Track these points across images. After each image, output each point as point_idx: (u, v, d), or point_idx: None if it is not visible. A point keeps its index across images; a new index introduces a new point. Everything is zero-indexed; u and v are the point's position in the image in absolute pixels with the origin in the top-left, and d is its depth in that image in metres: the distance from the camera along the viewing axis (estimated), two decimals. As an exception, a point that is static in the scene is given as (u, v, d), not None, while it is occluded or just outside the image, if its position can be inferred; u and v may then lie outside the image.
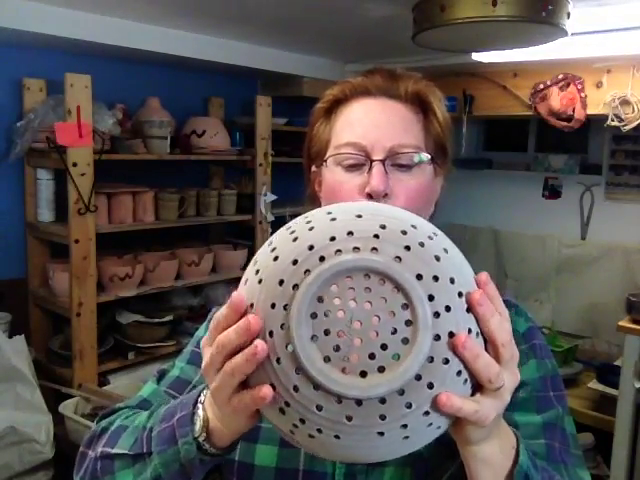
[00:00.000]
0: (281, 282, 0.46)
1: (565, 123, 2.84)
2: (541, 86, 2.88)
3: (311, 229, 0.48)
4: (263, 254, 0.49)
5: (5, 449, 1.93)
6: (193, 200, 2.64)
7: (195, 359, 0.79)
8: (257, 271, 0.48)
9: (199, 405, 0.58)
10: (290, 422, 0.47)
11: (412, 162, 0.71)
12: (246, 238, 2.96)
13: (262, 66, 2.81)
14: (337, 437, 0.46)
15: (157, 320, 2.47)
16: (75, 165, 2.13)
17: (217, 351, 0.48)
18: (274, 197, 2.91)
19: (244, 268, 0.54)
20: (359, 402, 0.44)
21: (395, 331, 0.45)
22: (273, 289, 0.46)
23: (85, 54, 2.48)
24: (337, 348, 0.45)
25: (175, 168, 2.73)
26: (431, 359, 0.45)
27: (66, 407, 2.14)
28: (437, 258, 0.47)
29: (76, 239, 2.16)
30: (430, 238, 0.48)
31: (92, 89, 2.13)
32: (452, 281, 0.47)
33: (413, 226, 0.49)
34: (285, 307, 0.45)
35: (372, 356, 0.45)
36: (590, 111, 2.77)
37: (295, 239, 0.47)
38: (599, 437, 2.68)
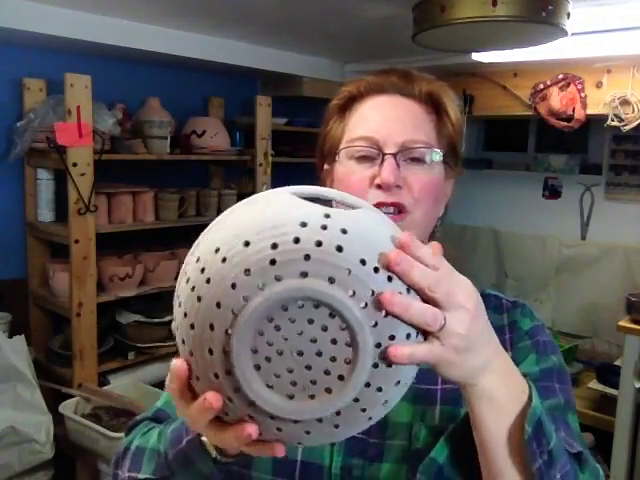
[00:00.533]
0: (211, 327, 0.44)
1: (565, 123, 2.84)
2: (541, 86, 2.88)
3: (204, 273, 0.45)
4: (185, 295, 0.47)
5: (5, 449, 1.93)
6: (193, 200, 2.64)
7: None
8: (185, 314, 0.46)
9: None
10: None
11: (424, 157, 0.72)
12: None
13: (262, 66, 2.81)
14: (300, 443, 0.49)
15: (157, 320, 2.47)
16: (75, 165, 2.13)
17: (176, 403, 0.51)
18: (274, 197, 2.91)
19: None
20: (319, 419, 0.45)
21: (335, 359, 0.44)
22: (206, 335, 0.44)
23: (85, 54, 2.48)
24: (279, 376, 0.45)
25: (175, 168, 2.73)
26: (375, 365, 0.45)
27: (66, 407, 2.14)
28: (339, 249, 0.43)
29: (76, 239, 2.16)
30: (324, 228, 0.44)
31: (92, 89, 2.13)
32: (363, 262, 0.44)
33: (302, 224, 0.44)
34: (224, 351, 0.44)
35: (314, 382, 0.45)
36: (590, 111, 2.77)
37: (208, 280, 0.44)
38: (599, 437, 2.68)
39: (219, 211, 2.76)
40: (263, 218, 0.45)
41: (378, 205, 0.70)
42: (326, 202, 0.49)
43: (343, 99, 0.78)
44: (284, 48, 2.84)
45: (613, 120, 2.69)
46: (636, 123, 2.64)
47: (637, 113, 2.63)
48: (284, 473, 0.69)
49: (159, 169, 2.65)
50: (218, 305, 0.43)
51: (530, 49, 2.04)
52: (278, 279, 0.42)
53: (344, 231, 0.44)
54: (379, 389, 0.46)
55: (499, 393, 0.54)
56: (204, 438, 0.59)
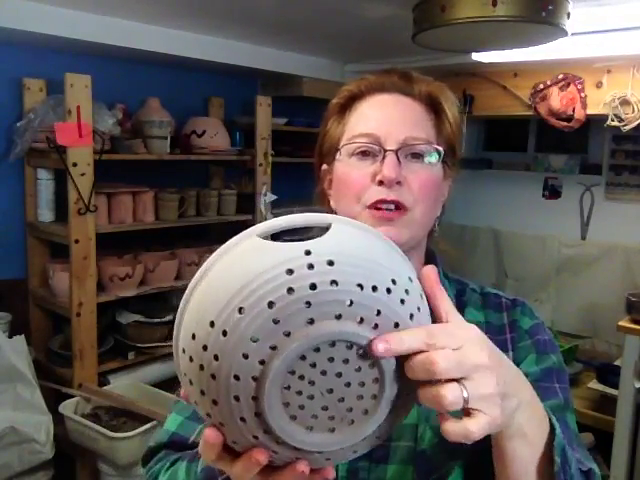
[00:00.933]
0: (237, 398, 0.44)
1: (565, 123, 2.84)
2: (541, 86, 2.88)
3: (208, 350, 0.44)
4: (195, 374, 0.45)
5: (5, 449, 1.93)
6: (193, 200, 2.64)
7: None
8: (202, 392, 0.45)
9: None
10: None
11: (424, 154, 0.73)
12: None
13: (262, 66, 2.81)
14: (346, 459, 0.51)
15: (157, 320, 2.47)
16: (75, 165, 2.13)
17: (214, 465, 0.51)
18: (274, 197, 2.91)
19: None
20: (363, 439, 0.47)
21: (363, 384, 0.45)
22: (234, 406, 0.44)
23: (85, 54, 2.48)
24: (316, 417, 0.45)
25: (175, 168, 2.73)
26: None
27: (66, 407, 2.14)
28: (334, 283, 0.43)
29: (76, 239, 2.16)
30: (310, 267, 0.43)
31: (92, 89, 2.13)
32: (361, 287, 0.44)
33: (288, 271, 0.43)
34: (257, 414, 0.44)
35: (350, 410, 0.46)
36: (590, 111, 2.77)
37: (216, 357, 0.43)
38: (599, 437, 2.68)
39: (219, 211, 2.76)
40: (248, 276, 0.43)
41: (379, 202, 0.70)
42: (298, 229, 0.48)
43: (344, 98, 0.78)
44: (284, 48, 2.84)
45: (613, 120, 2.69)
46: (636, 123, 2.64)
47: (637, 113, 2.63)
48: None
49: (159, 169, 2.65)
50: (237, 378, 0.43)
51: (530, 49, 2.04)
52: (287, 335, 0.42)
53: (330, 263, 0.43)
54: (408, 392, 0.47)
55: (530, 428, 0.53)
56: None
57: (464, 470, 0.67)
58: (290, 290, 0.42)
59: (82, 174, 2.15)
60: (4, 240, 2.38)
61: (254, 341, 0.42)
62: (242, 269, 0.44)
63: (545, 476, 0.55)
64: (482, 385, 0.46)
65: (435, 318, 0.50)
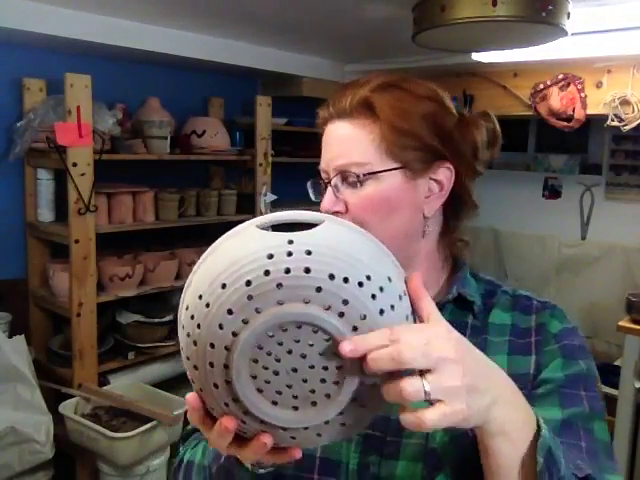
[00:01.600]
0: (211, 364, 0.49)
1: (565, 123, 2.84)
2: (541, 86, 2.88)
3: (194, 319, 0.49)
4: (184, 342, 0.51)
5: (5, 449, 1.93)
6: (193, 200, 2.64)
7: None
8: (187, 358, 0.51)
9: None
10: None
11: (356, 180, 0.72)
12: (246, 238, 2.95)
13: (262, 66, 2.81)
14: (314, 444, 0.54)
15: (157, 320, 2.47)
16: (75, 165, 2.13)
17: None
18: (274, 197, 2.91)
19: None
20: (325, 422, 0.50)
21: (327, 368, 0.48)
22: (209, 372, 0.49)
23: (85, 54, 2.48)
24: (280, 393, 0.49)
25: (175, 168, 2.73)
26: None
27: (66, 407, 2.14)
28: (307, 270, 0.47)
29: (76, 239, 2.16)
30: (289, 254, 0.48)
31: (92, 89, 2.13)
32: (332, 277, 0.47)
33: (269, 256, 0.48)
34: (227, 382, 0.49)
35: (313, 391, 0.49)
36: (590, 111, 2.77)
37: (198, 325, 0.49)
38: (599, 437, 2.68)
39: (219, 211, 2.76)
40: (235, 258, 0.48)
41: None
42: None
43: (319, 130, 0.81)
44: (284, 48, 2.84)
45: (613, 120, 2.69)
46: (636, 123, 2.64)
47: (637, 113, 2.63)
48: (305, 468, 0.72)
49: (159, 169, 2.65)
50: (212, 346, 0.48)
51: (530, 49, 2.04)
52: (258, 311, 0.46)
53: (308, 252, 0.47)
54: (373, 384, 0.49)
55: (511, 426, 0.54)
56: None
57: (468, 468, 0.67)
58: (267, 272, 0.46)
59: (82, 174, 2.15)
60: (4, 240, 2.38)
61: (229, 314, 0.47)
62: (233, 253, 0.49)
63: (530, 475, 0.55)
64: (446, 377, 0.47)
65: (418, 320, 0.53)
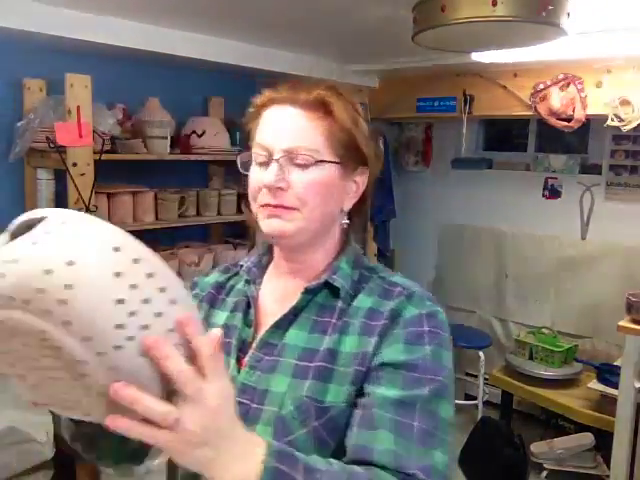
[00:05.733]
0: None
1: (565, 123, 2.84)
2: (541, 86, 2.88)
3: None
4: None
5: (5, 449, 1.93)
6: (193, 200, 2.64)
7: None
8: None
9: None
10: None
11: (305, 162, 0.81)
12: (246, 238, 2.95)
13: (262, 66, 2.81)
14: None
15: (157, 320, 2.47)
16: (75, 165, 2.13)
17: None
18: (274, 197, 2.90)
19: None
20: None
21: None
22: None
23: (85, 54, 2.47)
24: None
25: (175, 168, 2.73)
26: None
27: (66, 407, 2.14)
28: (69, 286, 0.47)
29: (76, 239, 2.16)
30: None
31: (92, 89, 2.13)
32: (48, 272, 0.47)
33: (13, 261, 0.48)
34: None
35: None
36: (590, 111, 2.77)
37: None
38: (599, 437, 2.68)
39: (219, 211, 2.76)
40: None
41: (265, 206, 0.81)
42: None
43: (254, 108, 0.89)
44: (284, 48, 2.84)
45: (613, 120, 2.69)
46: (636, 123, 2.64)
47: (637, 113, 2.63)
48: None
49: (159, 169, 2.65)
50: None
51: (530, 49, 2.04)
52: None
53: (15, 261, 0.47)
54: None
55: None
56: None
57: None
58: None
59: (82, 174, 2.15)
60: (4, 240, 2.37)
61: None
62: None
63: None
64: (192, 420, 0.55)
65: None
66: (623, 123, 2.67)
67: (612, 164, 3.20)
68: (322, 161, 0.81)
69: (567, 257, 3.34)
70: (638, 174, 3.13)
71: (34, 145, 2.22)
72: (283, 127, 0.82)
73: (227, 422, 0.59)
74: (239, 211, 2.85)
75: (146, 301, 0.50)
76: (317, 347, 0.79)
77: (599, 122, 2.82)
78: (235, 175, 3.22)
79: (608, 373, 2.67)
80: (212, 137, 2.70)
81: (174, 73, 2.87)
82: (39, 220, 0.51)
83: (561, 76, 2.81)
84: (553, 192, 3.43)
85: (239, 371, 0.82)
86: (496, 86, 3.06)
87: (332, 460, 0.68)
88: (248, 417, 0.77)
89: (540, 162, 3.47)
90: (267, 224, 0.82)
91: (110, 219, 2.35)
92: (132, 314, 0.49)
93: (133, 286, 0.49)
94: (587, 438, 2.72)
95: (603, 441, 2.63)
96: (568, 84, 2.80)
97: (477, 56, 2.49)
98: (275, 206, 0.80)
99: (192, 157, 2.62)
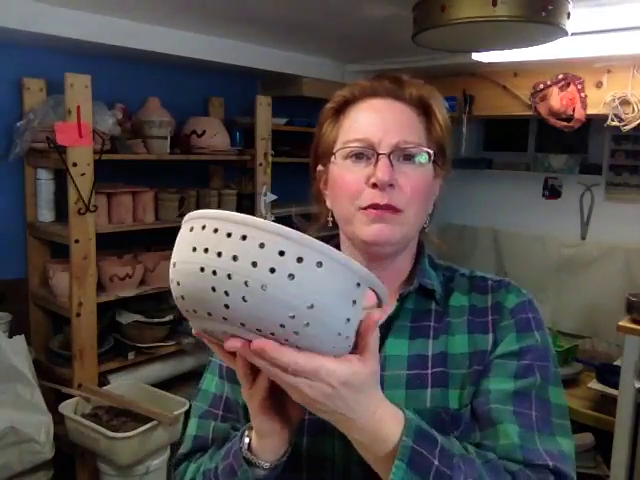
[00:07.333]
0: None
1: (565, 123, 2.84)
2: (541, 86, 2.88)
3: None
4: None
5: (5, 449, 1.93)
6: (193, 200, 2.64)
7: (216, 370, 0.87)
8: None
9: (245, 437, 0.70)
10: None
11: (415, 157, 0.76)
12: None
13: (262, 66, 2.81)
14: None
15: (157, 320, 2.47)
16: (75, 165, 2.13)
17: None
18: (274, 197, 2.91)
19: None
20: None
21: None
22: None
23: (85, 54, 2.48)
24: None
25: (175, 168, 2.73)
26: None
27: (66, 407, 2.14)
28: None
29: (76, 239, 2.16)
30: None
31: (92, 89, 2.13)
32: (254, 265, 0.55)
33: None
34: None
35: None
36: (590, 111, 2.77)
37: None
38: (599, 437, 2.68)
39: (219, 211, 2.75)
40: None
41: (372, 206, 0.74)
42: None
43: (337, 103, 0.81)
44: (284, 48, 2.84)
45: (613, 120, 2.69)
46: (636, 123, 2.64)
47: (637, 113, 2.63)
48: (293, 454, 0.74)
49: (159, 169, 2.65)
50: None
51: (530, 49, 2.04)
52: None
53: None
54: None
55: (362, 440, 0.61)
56: (245, 453, 0.68)
57: None
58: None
59: (82, 174, 2.15)
60: (4, 240, 2.38)
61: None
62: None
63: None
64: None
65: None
66: (623, 123, 2.67)
67: (612, 164, 3.20)
68: (432, 160, 0.77)
69: (567, 257, 3.34)
70: (638, 174, 3.13)
71: (34, 145, 2.22)
72: (390, 120, 0.76)
73: (377, 385, 0.60)
74: (239, 211, 2.84)
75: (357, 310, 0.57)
76: (425, 353, 0.76)
77: (599, 122, 2.82)
78: (235, 175, 3.23)
79: (608, 373, 2.67)
80: (212, 137, 2.70)
81: (174, 73, 2.87)
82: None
83: (561, 76, 2.81)
84: (553, 192, 3.43)
85: None
86: (496, 86, 3.06)
87: (468, 445, 0.67)
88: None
89: (540, 162, 3.46)
90: (371, 230, 0.74)
91: (110, 219, 2.35)
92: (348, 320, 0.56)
93: (354, 302, 0.56)
94: (587, 438, 2.71)
95: (603, 441, 2.63)
96: (568, 84, 2.79)
97: (477, 56, 2.49)
98: (383, 208, 0.73)
99: (192, 157, 2.62)
